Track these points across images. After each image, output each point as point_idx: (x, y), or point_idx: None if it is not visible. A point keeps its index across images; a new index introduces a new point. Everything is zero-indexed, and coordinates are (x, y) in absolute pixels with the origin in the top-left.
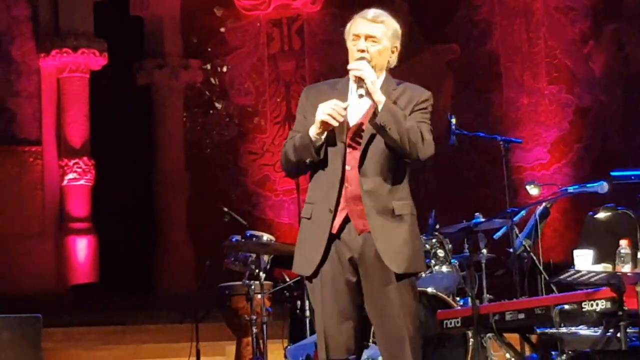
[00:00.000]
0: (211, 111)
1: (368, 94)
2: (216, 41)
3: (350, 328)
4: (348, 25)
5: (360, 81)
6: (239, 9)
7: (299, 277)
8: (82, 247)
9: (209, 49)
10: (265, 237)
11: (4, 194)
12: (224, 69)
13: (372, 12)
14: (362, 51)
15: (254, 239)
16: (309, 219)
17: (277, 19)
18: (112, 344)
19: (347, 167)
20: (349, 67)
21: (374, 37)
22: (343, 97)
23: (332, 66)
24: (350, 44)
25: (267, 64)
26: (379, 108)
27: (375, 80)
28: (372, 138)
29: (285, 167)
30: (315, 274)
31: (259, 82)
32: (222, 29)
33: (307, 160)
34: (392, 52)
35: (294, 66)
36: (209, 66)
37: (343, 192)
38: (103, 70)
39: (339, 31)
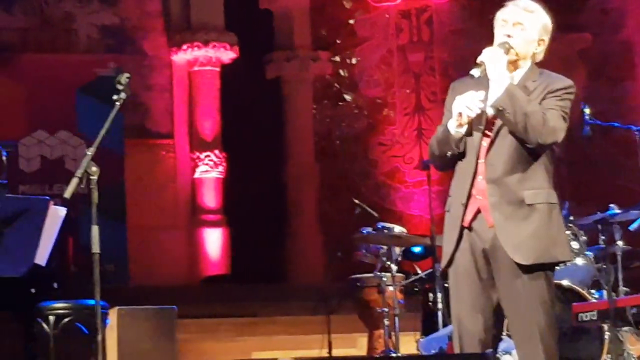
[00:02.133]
0: (340, 103)
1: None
2: (345, 33)
3: (483, 320)
4: (498, 12)
5: (482, 64)
6: (367, 1)
7: (430, 269)
8: (213, 239)
9: (338, 41)
10: (397, 229)
11: (137, 186)
12: (353, 61)
13: (524, 1)
14: (508, 36)
15: (385, 230)
16: (448, 211)
17: (405, 10)
18: (244, 335)
19: (480, 160)
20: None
21: (522, 24)
22: (486, 89)
23: (462, 56)
24: (497, 30)
25: (396, 55)
26: (500, 91)
27: (501, 64)
28: (501, 127)
29: (432, 161)
30: (449, 265)
31: (388, 73)
32: (351, 21)
33: (448, 153)
34: (539, 44)
35: (423, 57)
36: (338, 58)
37: (475, 184)
38: (233, 63)
39: (468, 21)
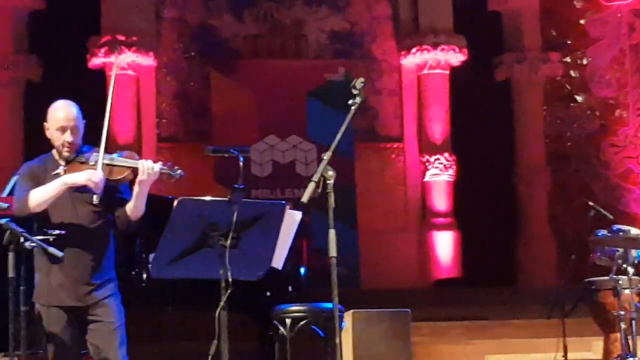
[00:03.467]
0: (571, 104)
1: None
2: (576, 33)
3: None
4: None
5: None
6: (599, 1)
7: None
8: (444, 242)
9: (569, 42)
10: (633, 231)
11: (368, 190)
12: (584, 62)
13: None
14: None
15: (621, 233)
16: None
17: (638, 9)
18: (477, 338)
19: None
20: None
21: None
22: None
23: None
24: None
25: (628, 54)
26: None
27: None
28: None
29: None
30: None
31: (619, 73)
32: (582, 21)
33: None
34: None
35: None
36: (568, 59)
37: None
38: (462, 65)
39: None
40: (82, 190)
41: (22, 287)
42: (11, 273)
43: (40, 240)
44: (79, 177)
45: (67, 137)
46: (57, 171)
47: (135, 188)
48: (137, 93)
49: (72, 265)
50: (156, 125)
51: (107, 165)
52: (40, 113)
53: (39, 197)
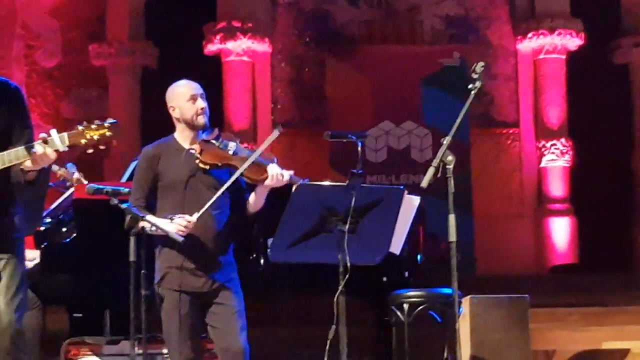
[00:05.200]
0: None
1: None
2: None
3: None
4: None
5: None
6: None
7: None
8: (561, 228)
9: None
10: None
11: (483, 175)
12: None
13: None
14: None
15: None
16: None
17: None
18: (594, 325)
19: None
20: None
21: None
22: None
23: None
24: None
25: None
26: None
27: None
28: None
29: None
30: None
31: None
32: None
33: None
34: None
35: None
36: None
37: None
38: (579, 50)
39: None
40: (205, 174)
41: (142, 272)
42: (132, 257)
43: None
44: (170, 228)
45: (200, 103)
46: (193, 148)
47: (260, 187)
48: (252, 79)
49: (194, 249)
50: (271, 111)
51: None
52: (156, 99)
53: (146, 224)
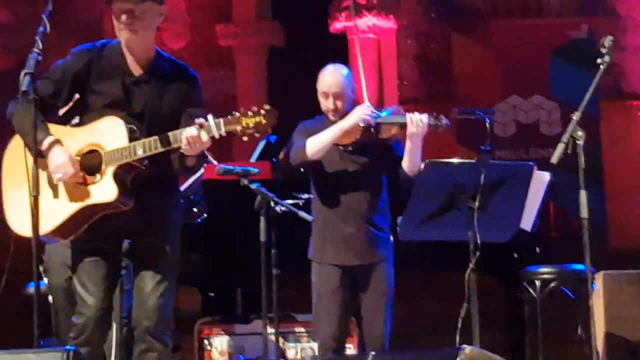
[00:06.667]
0: None
1: None
2: None
3: None
4: None
5: None
6: None
7: None
8: None
9: None
10: None
11: (614, 149)
12: None
13: None
14: None
15: None
16: None
17: None
18: None
19: None
20: None
21: None
22: None
23: None
24: None
25: None
26: None
27: None
28: None
29: None
30: None
31: None
32: None
33: None
34: None
35: None
36: None
37: None
38: None
39: None
40: (352, 150)
41: (273, 251)
42: (263, 237)
43: (290, 204)
44: (351, 119)
45: (329, 104)
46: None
47: (408, 143)
48: (378, 56)
49: (349, 223)
50: (397, 88)
51: (376, 125)
52: (283, 78)
53: (316, 143)
